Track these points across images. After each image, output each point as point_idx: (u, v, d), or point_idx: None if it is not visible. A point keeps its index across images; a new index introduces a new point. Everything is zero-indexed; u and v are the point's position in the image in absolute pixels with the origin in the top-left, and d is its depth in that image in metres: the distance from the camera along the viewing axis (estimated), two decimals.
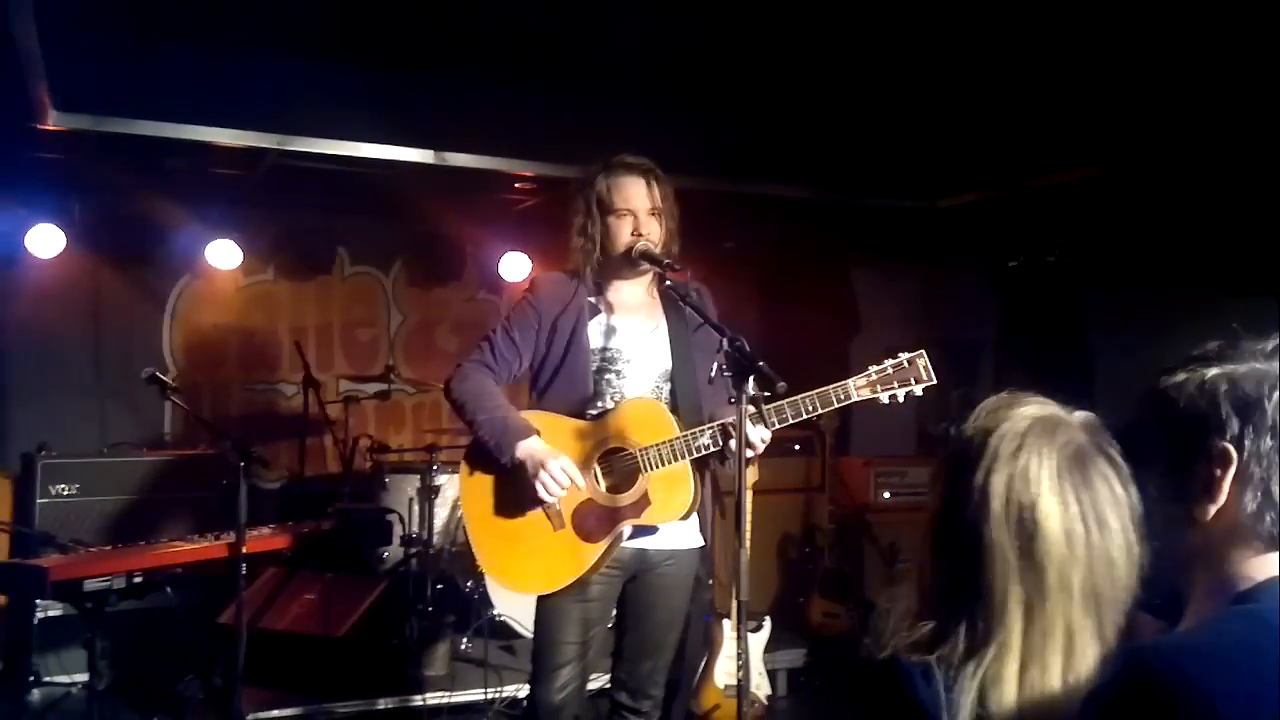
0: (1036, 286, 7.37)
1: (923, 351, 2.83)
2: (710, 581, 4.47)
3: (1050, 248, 7.02)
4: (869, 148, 5.77)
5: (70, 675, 4.63)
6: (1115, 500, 1.31)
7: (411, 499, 5.40)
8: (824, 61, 4.69)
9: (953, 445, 1.37)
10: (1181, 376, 1.33)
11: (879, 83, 4.92)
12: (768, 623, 4.74)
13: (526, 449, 2.86)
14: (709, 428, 2.83)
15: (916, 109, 5.26)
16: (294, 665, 4.55)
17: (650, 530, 2.93)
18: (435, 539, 5.27)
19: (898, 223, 6.60)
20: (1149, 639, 1.28)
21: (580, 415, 2.96)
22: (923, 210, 6.32)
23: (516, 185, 5.95)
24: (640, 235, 2.97)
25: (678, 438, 2.84)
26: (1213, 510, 1.27)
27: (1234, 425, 1.27)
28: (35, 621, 4.73)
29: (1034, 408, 1.36)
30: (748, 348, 2.50)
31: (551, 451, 2.86)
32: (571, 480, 2.84)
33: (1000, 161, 5.70)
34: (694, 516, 2.96)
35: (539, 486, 2.82)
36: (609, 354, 3.00)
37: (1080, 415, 1.37)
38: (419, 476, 5.36)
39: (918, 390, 2.83)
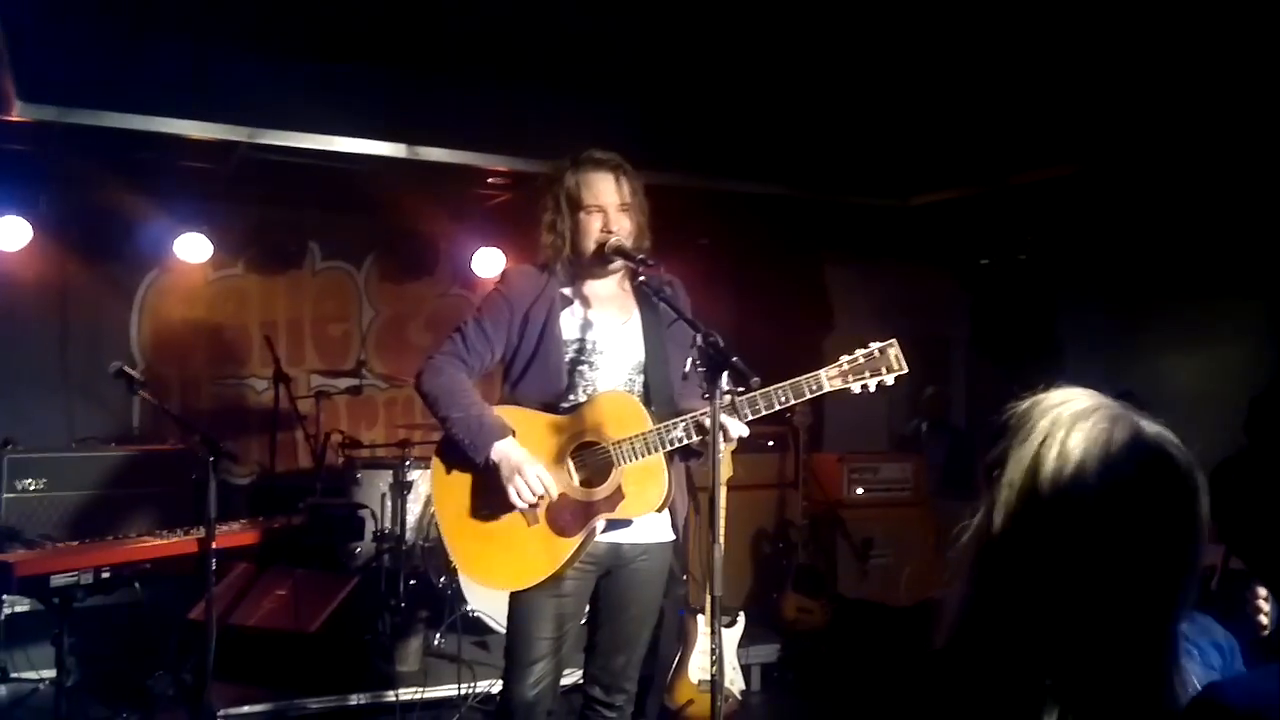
0: (1008, 284, 7.44)
1: (894, 341, 2.84)
2: (684, 577, 4.49)
3: (1022, 246, 7.08)
4: (843, 145, 5.79)
5: (38, 671, 4.58)
6: None
7: (384, 494, 5.38)
8: (800, 59, 4.70)
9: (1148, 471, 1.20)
10: None
11: (854, 81, 4.94)
12: (741, 618, 4.75)
13: (502, 451, 2.85)
14: (682, 420, 2.82)
15: (891, 107, 5.28)
16: (265, 661, 4.51)
17: (624, 524, 2.92)
18: (407, 534, 5.26)
19: (871, 220, 6.63)
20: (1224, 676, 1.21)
21: (554, 408, 2.95)
22: (896, 208, 6.35)
23: (489, 180, 5.94)
24: (611, 231, 2.96)
25: (651, 431, 2.84)
26: None
27: None
28: (2, 617, 4.68)
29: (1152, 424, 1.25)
30: (721, 343, 2.51)
31: (527, 458, 2.85)
32: (546, 489, 2.84)
33: (973, 160, 5.73)
34: (667, 511, 2.96)
35: (511, 491, 2.82)
36: (582, 346, 3.00)
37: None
38: (391, 472, 5.34)
39: (889, 379, 2.84)
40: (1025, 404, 1.26)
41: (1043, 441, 1.20)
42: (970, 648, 1.23)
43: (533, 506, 2.85)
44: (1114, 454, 1.17)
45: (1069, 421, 1.21)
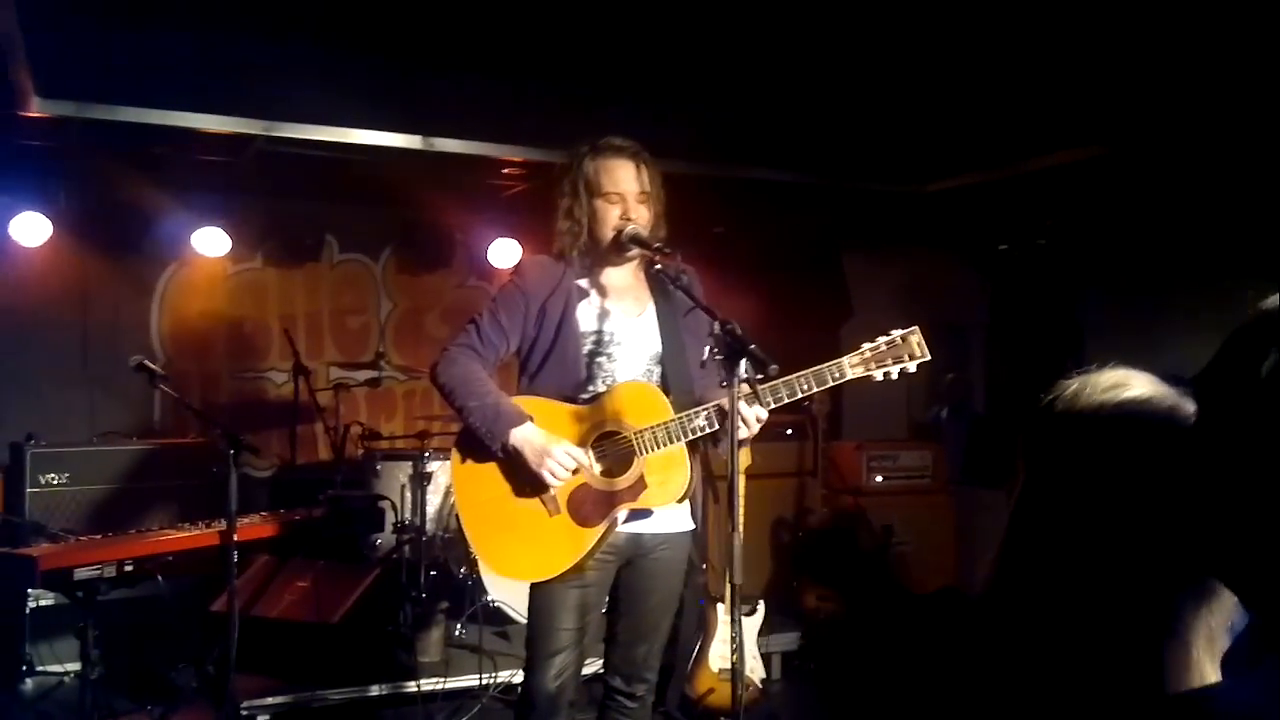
0: (1027, 270, 7.39)
1: (916, 328, 2.82)
2: (703, 566, 4.48)
3: (1041, 231, 7.02)
4: (859, 132, 5.76)
5: (63, 664, 4.63)
6: None
7: (403, 486, 5.39)
8: (814, 45, 4.67)
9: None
10: None
11: (869, 66, 4.90)
12: (761, 606, 4.74)
13: (522, 436, 2.84)
14: (704, 409, 2.81)
15: (907, 92, 5.24)
16: (287, 653, 4.53)
17: (645, 514, 2.92)
18: (428, 526, 5.27)
19: (888, 207, 6.59)
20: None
21: (572, 399, 2.95)
22: (913, 194, 6.31)
23: (505, 171, 5.93)
24: (629, 219, 2.94)
25: (673, 419, 2.83)
26: None
27: None
28: (27, 611, 4.72)
29: None
30: (739, 330, 2.49)
31: (551, 437, 2.84)
32: (577, 463, 2.82)
33: (990, 145, 5.69)
34: (687, 501, 2.95)
35: (545, 474, 2.81)
36: (600, 337, 2.99)
37: None
38: (411, 463, 5.35)
39: (911, 367, 2.82)
40: (1073, 384, 1.22)
41: (1090, 419, 1.18)
42: (996, 616, 1.23)
43: (549, 494, 2.85)
44: (1152, 442, 1.15)
45: (1118, 404, 1.18)
